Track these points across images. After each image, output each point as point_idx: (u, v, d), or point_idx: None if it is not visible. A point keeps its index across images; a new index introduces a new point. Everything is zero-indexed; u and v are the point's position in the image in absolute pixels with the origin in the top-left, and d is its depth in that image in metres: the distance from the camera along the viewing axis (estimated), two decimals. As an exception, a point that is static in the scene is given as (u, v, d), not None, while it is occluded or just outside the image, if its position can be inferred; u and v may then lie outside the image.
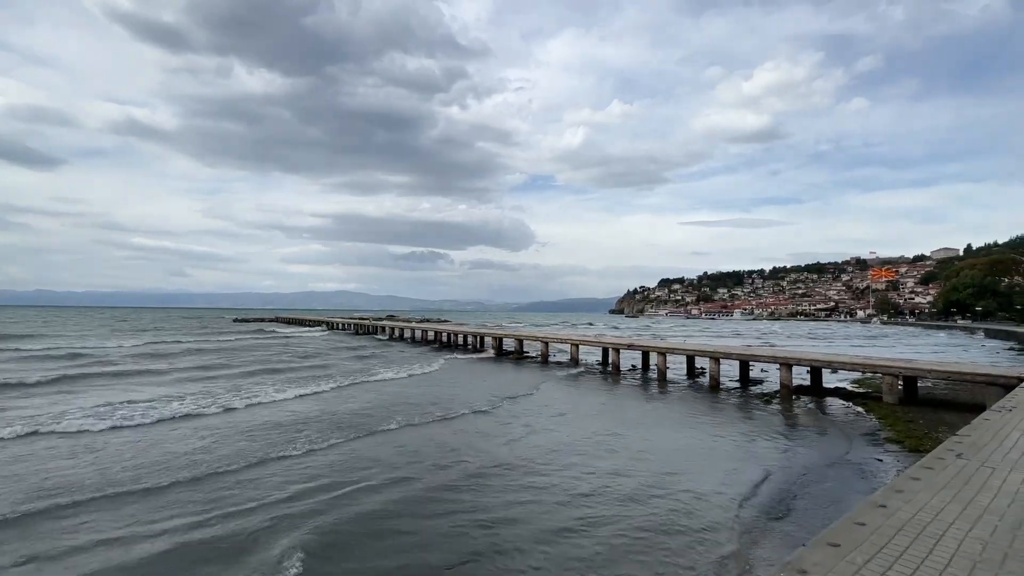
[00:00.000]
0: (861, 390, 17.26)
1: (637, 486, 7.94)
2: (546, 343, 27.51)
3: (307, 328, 67.17)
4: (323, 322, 70.18)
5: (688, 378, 20.82)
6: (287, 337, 48.19)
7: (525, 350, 30.07)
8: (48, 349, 30.74)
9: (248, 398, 15.30)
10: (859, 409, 14.12)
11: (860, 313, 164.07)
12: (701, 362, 21.34)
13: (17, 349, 30.56)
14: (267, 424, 12.07)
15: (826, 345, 43.85)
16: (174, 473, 8.49)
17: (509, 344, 31.39)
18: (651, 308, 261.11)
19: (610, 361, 23.46)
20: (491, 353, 30.96)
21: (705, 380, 19.72)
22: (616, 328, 76.01)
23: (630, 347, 22.77)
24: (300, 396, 15.96)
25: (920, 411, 13.36)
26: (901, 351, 35.99)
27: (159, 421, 12.28)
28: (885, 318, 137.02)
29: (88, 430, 11.29)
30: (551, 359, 26.78)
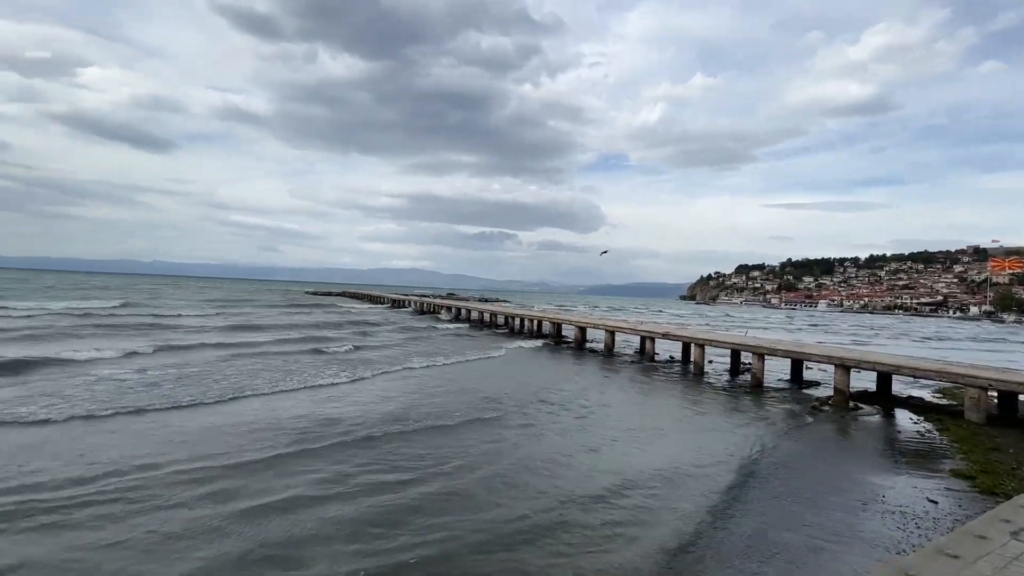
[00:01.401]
0: (943, 402, 14.27)
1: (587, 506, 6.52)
2: (582, 329, 25.94)
3: (371, 304, 69.28)
4: (387, 298, 72.05)
5: (731, 375, 18.50)
6: (347, 312, 49.55)
7: (563, 334, 29.11)
8: (136, 316, 33.79)
9: (269, 385, 14.04)
10: (931, 426, 11.47)
11: (974, 309, 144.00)
12: (747, 357, 18.83)
13: (112, 315, 33.82)
14: (201, 431, 9.32)
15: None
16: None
17: (547, 328, 31.12)
18: (725, 295, 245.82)
19: (646, 350, 21.51)
20: (538, 342, 29.95)
21: (749, 378, 17.35)
22: (679, 315, 71.88)
23: (665, 336, 20.63)
24: (304, 388, 13.58)
25: (1015, 436, 10.54)
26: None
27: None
28: (1010, 316, 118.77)
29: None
30: (587, 345, 25.43)
